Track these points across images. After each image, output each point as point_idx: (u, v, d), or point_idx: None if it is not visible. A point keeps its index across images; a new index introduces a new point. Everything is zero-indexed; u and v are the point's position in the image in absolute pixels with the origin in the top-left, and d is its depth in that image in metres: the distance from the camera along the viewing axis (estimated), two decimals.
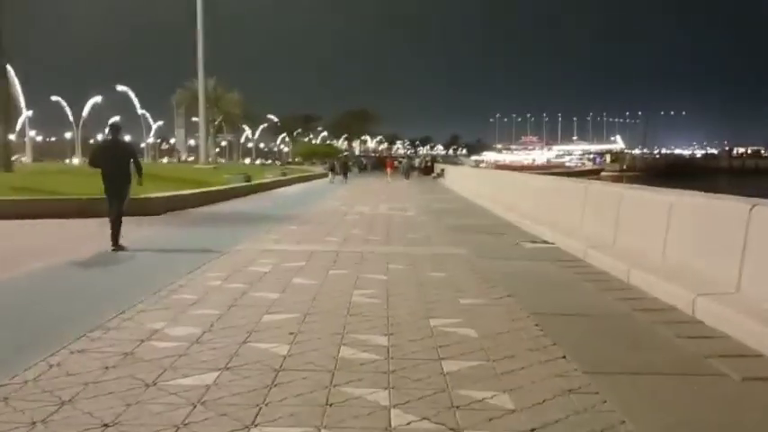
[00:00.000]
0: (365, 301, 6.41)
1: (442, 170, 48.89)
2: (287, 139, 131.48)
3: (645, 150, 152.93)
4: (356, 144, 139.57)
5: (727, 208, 6.37)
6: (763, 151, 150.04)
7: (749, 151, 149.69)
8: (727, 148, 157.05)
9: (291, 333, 5.21)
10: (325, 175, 51.30)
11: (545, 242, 11.27)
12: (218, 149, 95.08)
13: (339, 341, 4.99)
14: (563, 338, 5.10)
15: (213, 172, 38.16)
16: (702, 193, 7.57)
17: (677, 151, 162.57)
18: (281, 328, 5.39)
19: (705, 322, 5.56)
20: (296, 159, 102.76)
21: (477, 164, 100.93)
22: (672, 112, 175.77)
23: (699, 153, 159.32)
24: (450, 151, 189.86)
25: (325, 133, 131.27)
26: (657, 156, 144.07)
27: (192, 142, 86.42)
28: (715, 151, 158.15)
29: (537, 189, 15.67)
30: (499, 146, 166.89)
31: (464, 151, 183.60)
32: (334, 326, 5.45)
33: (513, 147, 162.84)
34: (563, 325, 5.59)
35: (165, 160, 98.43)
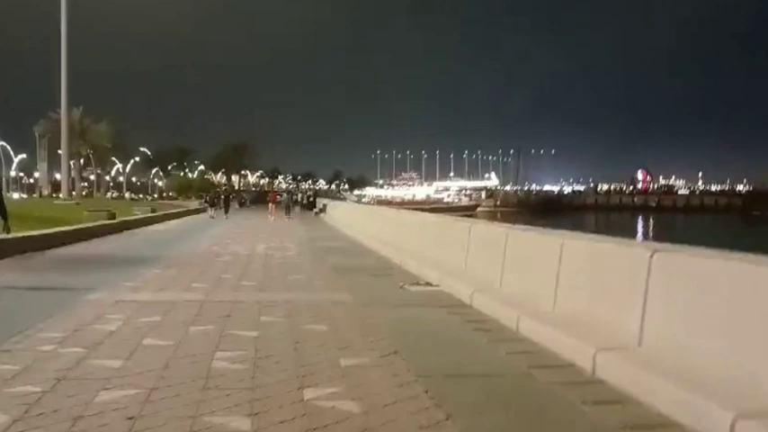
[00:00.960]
0: (228, 368, 5.44)
1: (325, 205, 48.17)
2: (161, 172, 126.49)
3: (517, 187, 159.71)
4: (236, 178, 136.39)
5: (626, 254, 5.94)
6: (625, 188, 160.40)
7: (613, 188, 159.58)
8: (592, 185, 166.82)
9: (130, 418, 4.17)
10: (200, 211, 49.26)
11: (430, 284, 10.70)
12: (85, 184, 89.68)
13: (189, 428, 4.02)
14: (458, 410, 4.40)
15: (75, 208, 35.37)
16: (596, 235, 7.22)
17: (547, 188, 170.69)
18: (118, 410, 4.33)
19: (608, 382, 5.05)
20: (170, 194, 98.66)
21: (359, 199, 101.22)
22: (542, 151, 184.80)
23: (567, 189, 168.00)
24: (333, 186, 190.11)
25: (202, 167, 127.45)
26: (529, 192, 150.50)
27: (58, 176, 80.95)
28: (582, 188, 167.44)
29: (421, 227, 15.19)
30: (380, 181, 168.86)
31: (346, 186, 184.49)
32: (186, 405, 4.46)
33: (394, 182, 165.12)
34: (456, 390, 4.89)
35: (16, 195, 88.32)
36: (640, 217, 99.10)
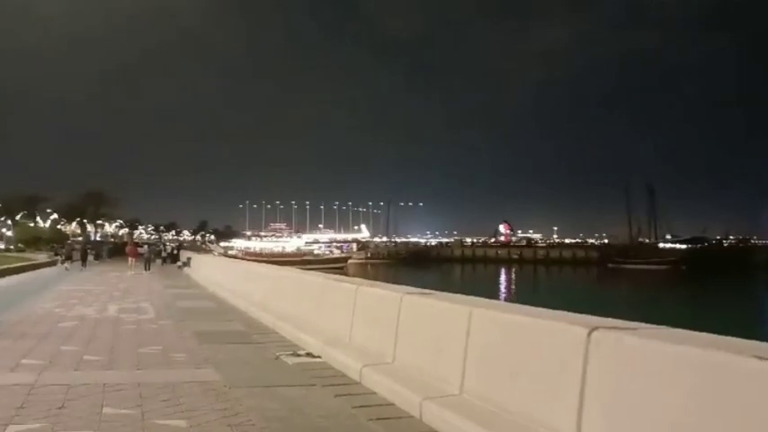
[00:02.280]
0: None
1: (189, 259, 45.42)
2: (9, 222, 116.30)
3: (387, 239, 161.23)
4: (92, 228, 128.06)
5: (554, 330, 5.02)
6: (488, 240, 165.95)
7: (478, 241, 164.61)
8: (458, 238, 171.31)
9: None
10: (50, 264, 45.03)
11: (311, 355, 9.45)
12: None
13: None
14: None
15: None
16: (507, 304, 6.34)
17: (413, 239, 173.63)
18: None
19: None
20: (18, 245, 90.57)
21: (226, 251, 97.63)
22: (410, 203, 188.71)
23: (434, 241, 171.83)
24: (198, 237, 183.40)
25: (55, 216, 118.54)
26: (399, 244, 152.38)
27: None
28: (449, 240, 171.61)
29: (297, 286, 13.85)
30: (249, 233, 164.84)
31: (212, 237, 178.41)
32: None
33: (263, 234, 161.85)
34: None
35: None
36: (505, 269, 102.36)
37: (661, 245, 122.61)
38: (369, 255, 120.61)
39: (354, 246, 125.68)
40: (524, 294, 50.92)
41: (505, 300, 48.65)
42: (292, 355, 9.54)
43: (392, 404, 6.45)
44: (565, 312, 5.44)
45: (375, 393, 6.93)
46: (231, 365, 8.75)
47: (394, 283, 11.52)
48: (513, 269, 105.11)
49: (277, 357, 9.37)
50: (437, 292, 8.05)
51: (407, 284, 10.64)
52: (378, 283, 10.11)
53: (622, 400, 4.07)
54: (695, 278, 79.72)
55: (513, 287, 73.62)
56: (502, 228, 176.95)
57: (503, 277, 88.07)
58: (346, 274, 34.03)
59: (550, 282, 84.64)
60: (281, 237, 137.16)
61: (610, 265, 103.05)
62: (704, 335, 4.07)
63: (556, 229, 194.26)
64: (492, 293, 53.92)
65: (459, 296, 7.35)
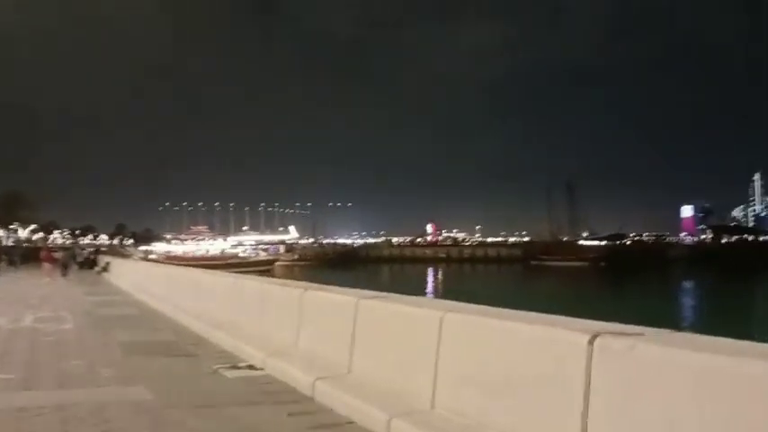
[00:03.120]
0: None
1: (108, 263, 43.34)
2: None
3: (315, 240, 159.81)
4: (2, 233, 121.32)
5: (549, 336, 4.34)
6: (416, 240, 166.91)
7: (406, 240, 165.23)
8: (386, 238, 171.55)
9: None
10: None
11: (253, 368, 8.71)
12: None
13: None
14: None
15: None
16: (482, 307, 5.76)
17: (341, 240, 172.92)
18: None
19: None
20: None
21: (146, 255, 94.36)
22: (339, 204, 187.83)
23: (361, 242, 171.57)
24: (116, 241, 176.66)
25: None
26: (327, 245, 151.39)
27: None
28: (376, 240, 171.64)
29: (233, 291, 12.99)
30: (169, 236, 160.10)
31: (131, 241, 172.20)
32: None
33: (184, 236, 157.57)
34: None
35: None
36: (432, 268, 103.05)
37: (581, 242, 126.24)
38: (296, 256, 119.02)
39: (282, 248, 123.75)
40: (453, 292, 51.06)
41: (434, 296, 48.67)
42: (232, 367, 8.78)
43: (353, 422, 5.84)
44: (551, 316, 4.95)
45: (332, 410, 6.29)
46: (164, 381, 7.94)
47: (322, 284, 10.81)
48: (441, 268, 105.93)
49: (215, 371, 8.60)
50: (398, 295, 7.48)
51: (335, 285, 10.04)
52: (327, 286, 9.43)
53: (634, 419, 3.59)
54: (614, 274, 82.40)
55: (441, 285, 74.11)
56: (429, 227, 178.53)
57: (431, 276, 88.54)
58: (273, 277, 33.13)
59: (477, 279, 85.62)
60: (202, 239, 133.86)
61: (532, 263, 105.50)
62: (723, 340, 3.64)
63: (479, 228, 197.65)
64: (420, 291, 53.93)
65: (426, 299, 6.83)
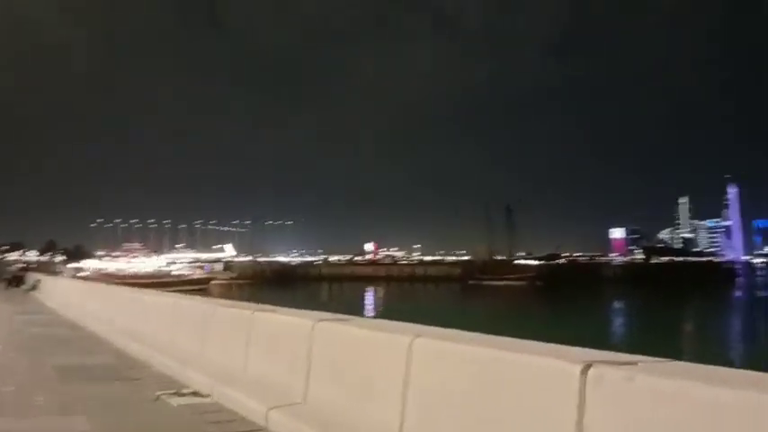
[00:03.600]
0: None
1: (37, 281, 41.48)
2: None
3: (253, 258, 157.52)
4: None
5: (536, 366, 4.00)
6: (355, 258, 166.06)
7: (345, 259, 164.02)
8: (325, 256, 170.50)
9: None
10: None
11: (198, 394, 8.29)
12: None
13: None
14: None
15: None
16: (457, 332, 5.42)
17: (279, 258, 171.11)
18: None
19: None
20: None
21: (77, 272, 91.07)
22: (278, 222, 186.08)
23: (299, 260, 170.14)
24: (46, 258, 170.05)
25: None
26: (264, 263, 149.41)
27: None
28: (314, 259, 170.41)
29: (171, 311, 12.42)
30: (101, 253, 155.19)
31: (63, 258, 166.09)
32: None
33: (117, 254, 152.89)
34: None
35: None
36: (372, 287, 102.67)
37: (518, 262, 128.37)
38: (233, 275, 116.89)
39: (219, 266, 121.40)
40: (392, 311, 50.90)
41: (375, 316, 48.33)
42: (175, 394, 8.33)
43: None
44: (537, 343, 4.71)
45: None
46: (104, 409, 7.46)
47: (262, 304, 10.34)
48: (380, 287, 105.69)
49: (158, 398, 8.14)
50: (358, 318, 7.21)
51: (276, 305, 9.69)
52: (277, 308, 9.08)
53: None
54: (550, 292, 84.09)
55: (380, 304, 73.88)
56: (368, 246, 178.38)
57: (370, 294, 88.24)
58: (209, 296, 32.30)
59: (416, 298, 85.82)
60: (135, 257, 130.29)
61: (471, 282, 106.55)
62: (730, 371, 3.45)
63: (418, 246, 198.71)
64: (358, 310, 53.57)
65: (392, 323, 6.47)
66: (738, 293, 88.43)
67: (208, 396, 8.07)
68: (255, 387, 7.43)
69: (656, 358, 3.87)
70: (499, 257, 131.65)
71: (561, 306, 65.10)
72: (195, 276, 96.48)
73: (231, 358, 8.65)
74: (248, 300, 14.39)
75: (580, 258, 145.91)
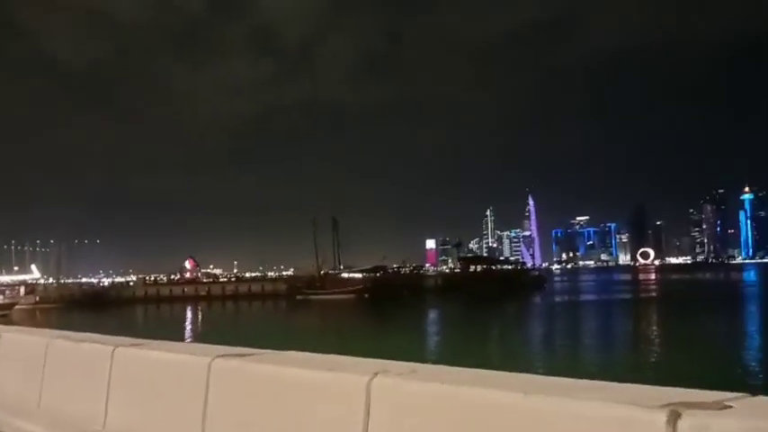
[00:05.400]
0: None
1: None
2: None
3: (57, 280, 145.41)
4: None
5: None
6: (175, 278, 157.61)
7: (163, 278, 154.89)
8: (139, 276, 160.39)
9: None
10: None
11: None
12: None
13: None
14: None
15: None
16: (437, 367, 4.20)
17: (87, 280, 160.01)
18: None
19: None
20: None
21: None
22: (86, 241, 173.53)
23: (109, 281, 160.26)
24: None
25: None
26: (73, 286, 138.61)
27: None
28: (127, 279, 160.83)
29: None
30: None
31: None
32: None
33: None
34: None
35: None
36: (192, 307, 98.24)
37: (345, 275, 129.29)
38: (37, 299, 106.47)
39: (22, 289, 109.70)
40: (215, 333, 49.07)
41: (193, 339, 46.08)
42: None
43: None
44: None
45: None
46: None
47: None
48: (201, 307, 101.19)
49: None
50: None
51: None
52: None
53: None
54: (377, 304, 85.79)
55: (201, 325, 70.99)
56: (187, 263, 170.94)
57: (189, 315, 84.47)
58: (11, 324, 29.11)
59: (241, 317, 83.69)
60: None
61: (298, 297, 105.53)
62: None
63: (236, 263, 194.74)
64: (178, 334, 50.95)
65: (337, 357, 4.69)
66: (540, 299, 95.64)
67: None
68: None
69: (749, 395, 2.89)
70: (327, 271, 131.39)
71: (386, 318, 66.56)
72: None
73: (83, 406, 6.53)
74: (57, 327, 12.65)
75: (402, 269, 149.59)
